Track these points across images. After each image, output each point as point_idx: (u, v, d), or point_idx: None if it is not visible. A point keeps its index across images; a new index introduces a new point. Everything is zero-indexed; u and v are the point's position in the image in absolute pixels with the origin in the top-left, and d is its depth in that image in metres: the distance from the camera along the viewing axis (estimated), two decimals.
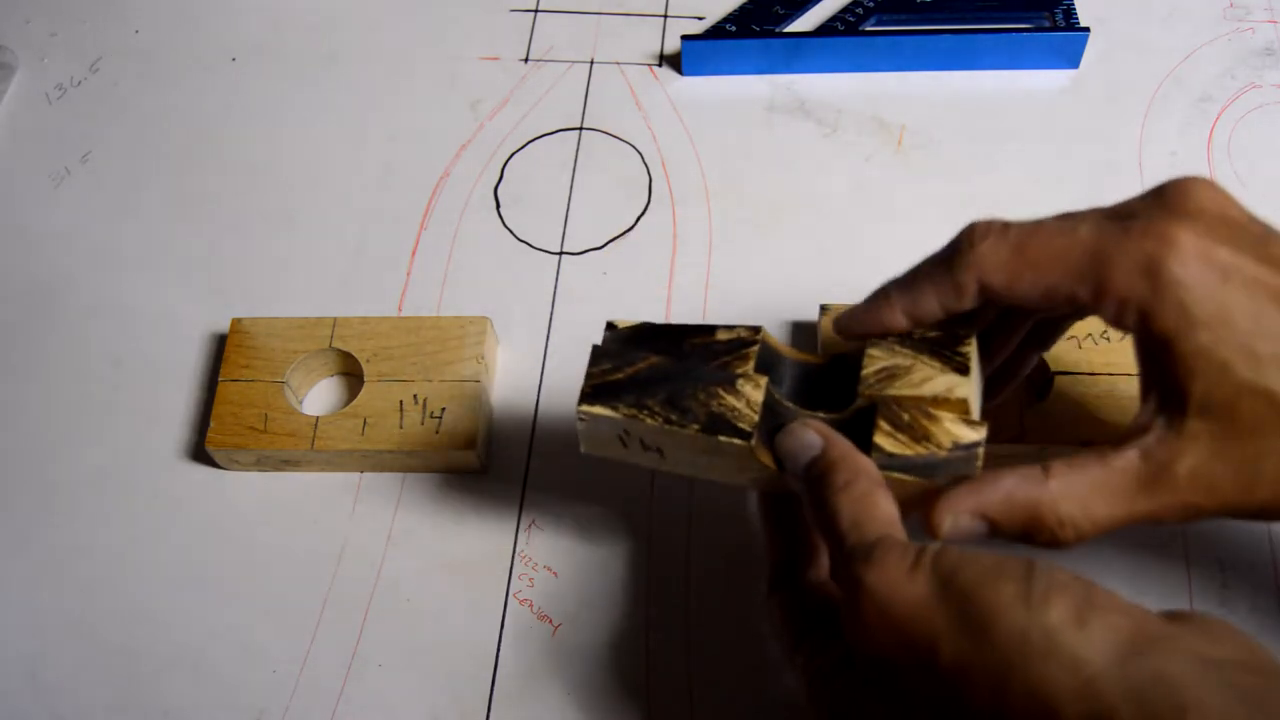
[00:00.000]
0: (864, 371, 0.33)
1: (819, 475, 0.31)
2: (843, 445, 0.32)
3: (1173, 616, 0.27)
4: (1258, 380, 0.29)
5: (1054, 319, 0.37)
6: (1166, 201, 0.31)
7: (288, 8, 0.60)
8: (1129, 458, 0.30)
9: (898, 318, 0.33)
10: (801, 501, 0.33)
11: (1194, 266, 0.29)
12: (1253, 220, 0.31)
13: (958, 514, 0.31)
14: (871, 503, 0.30)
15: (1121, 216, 0.31)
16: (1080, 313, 0.36)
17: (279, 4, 0.60)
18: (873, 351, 0.34)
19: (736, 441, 0.33)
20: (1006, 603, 0.26)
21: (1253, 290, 0.29)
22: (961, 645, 0.26)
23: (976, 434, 0.32)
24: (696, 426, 0.33)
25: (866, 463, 0.32)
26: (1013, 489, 0.30)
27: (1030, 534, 0.30)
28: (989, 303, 0.32)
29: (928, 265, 0.33)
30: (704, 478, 0.35)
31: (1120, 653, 0.25)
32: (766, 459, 0.33)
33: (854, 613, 0.28)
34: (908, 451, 0.32)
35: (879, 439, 0.32)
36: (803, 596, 0.34)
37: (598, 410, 0.34)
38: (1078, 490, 0.30)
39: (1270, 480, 0.29)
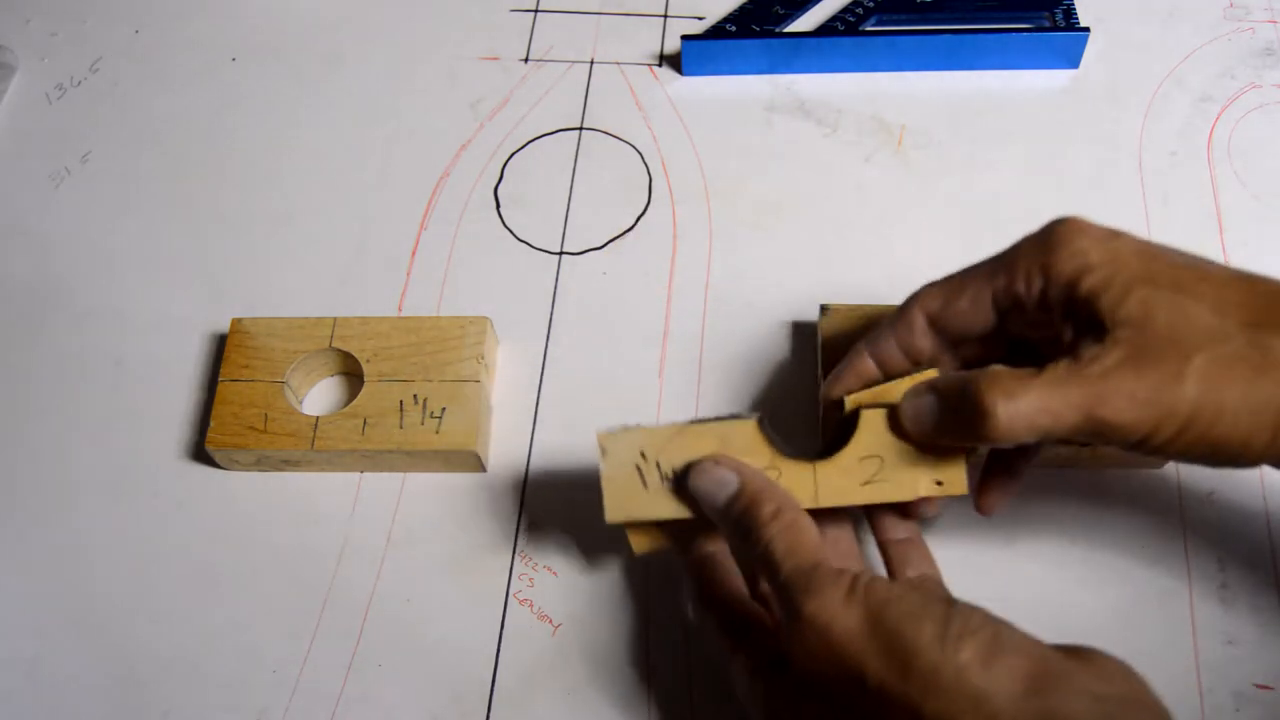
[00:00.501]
0: (848, 397, 0.37)
1: (744, 510, 0.34)
2: (761, 478, 0.35)
3: (1072, 653, 0.30)
4: (1163, 297, 0.31)
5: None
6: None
7: (288, 8, 0.60)
8: (1060, 360, 0.32)
9: (868, 364, 0.38)
10: (727, 537, 0.36)
11: (1084, 230, 0.33)
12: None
13: (916, 391, 0.35)
14: (800, 529, 0.33)
15: None
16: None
17: (279, 4, 0.60)
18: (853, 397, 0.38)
19: (747, 420, 0.36)
20: (925, 642, 0.29)
21: (1139, 248, 0.33)
22: (885, 675, 0.29)
23: None
24: (710, 418, 0.37)
25: (786, 493, 0.35)
26: (959, 372, 0.34)
27: (962, 408, 0.33)
28: (935, 334, 0.36)
29: (885, 320, 0.38)
30: None
31: (1020, 690, 0.28)
32: (771, 442, 0.36)
33: (795, 637, 0.31)
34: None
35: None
36: (732, 609, 0.37)
37: (618, 432, 0.37)
38: (1014, 378, 0.32)
39: (1196, 379, 0.31)
